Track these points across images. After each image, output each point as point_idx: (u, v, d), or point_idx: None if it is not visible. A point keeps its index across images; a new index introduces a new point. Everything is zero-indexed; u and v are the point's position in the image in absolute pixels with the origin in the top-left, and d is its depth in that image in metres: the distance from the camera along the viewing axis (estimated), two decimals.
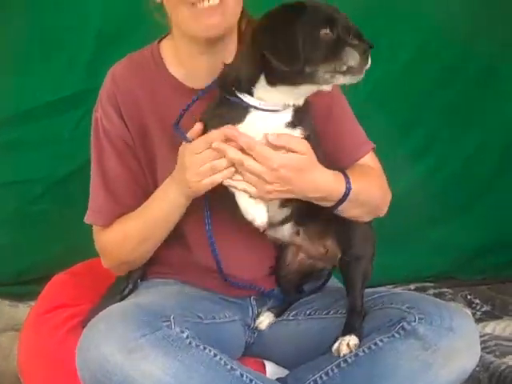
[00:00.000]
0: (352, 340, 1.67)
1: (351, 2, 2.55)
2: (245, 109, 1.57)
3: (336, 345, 1.68)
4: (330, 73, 1.50)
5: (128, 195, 1.84)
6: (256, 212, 1.60)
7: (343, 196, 1.68)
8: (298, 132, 1.60)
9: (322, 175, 1.65)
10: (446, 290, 2.83)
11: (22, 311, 2.61)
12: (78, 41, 2.42)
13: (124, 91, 1.81)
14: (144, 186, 1.85)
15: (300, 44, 1.47)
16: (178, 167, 1.68)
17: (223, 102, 1.60)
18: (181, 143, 1.68)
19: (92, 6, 2.40)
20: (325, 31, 1.50)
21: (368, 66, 1.51)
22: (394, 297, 1.72)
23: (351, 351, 1.65)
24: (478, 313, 2.81)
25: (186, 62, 1.81)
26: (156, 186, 1.81)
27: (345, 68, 1.49)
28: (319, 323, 1.82)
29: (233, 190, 1.61)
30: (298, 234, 1.82)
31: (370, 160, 1.90)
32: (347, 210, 1.73)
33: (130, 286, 1.91)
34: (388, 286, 2.79)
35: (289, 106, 1.58)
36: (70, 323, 1.92)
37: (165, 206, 1.75)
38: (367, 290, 1.83)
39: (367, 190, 1.77)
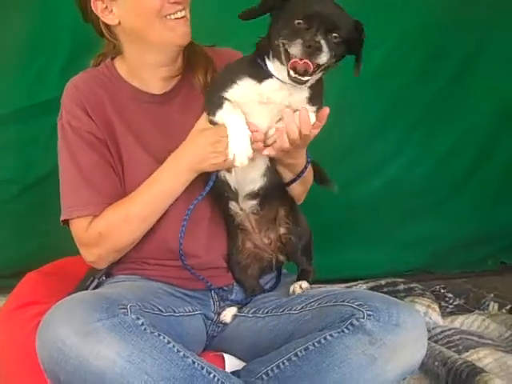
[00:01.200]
0: (303, 284, 1.93)
1: None
2: (266, 73, 1.75)
3: (291, 288, 1.93)
4: (284, 54, 1.68)
5: (108, 184, 1.93)
6: (242, 152, 1.74)
7: (304, 167, 1.93)
8: (313, 109, 1.78)
9: None
10: (415, 285, 2.88)
11: None
12: (53, 47, 2.51)
13: (87, 93, 1.95)
14: (120, 178, 1.96)
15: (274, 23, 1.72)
16: (191, 145, 1.83)
17: (253, 64, 1.79)
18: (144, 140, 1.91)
19: (67, 13, 2.45)
20: (298, 21, 1.66)
21: (316, 61, 1.64)
22: (346, 294, 1.79)
23: (303, 291, 1.90)
24: (450, 306, 2.89)
25: (144, 75, 1.98)
26: (124, 183, 1.93)
27: (289, 54, 1.66)
28: (274, 319, 1.89)
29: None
30: (256, 213, 1.96)
31: None
32: (299, 184, 1.98)
33: (95, 282, 2.00)
34: (360, 282, 2.88)
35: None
36: (37, 319, 1.96)
37: (173, 182, 1.87)
38: (322, 288, 1.93)
39: (310, 174, 2.06)
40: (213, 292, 2.01)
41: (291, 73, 1.66)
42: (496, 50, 3.03)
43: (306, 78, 1.67)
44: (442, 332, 2.47)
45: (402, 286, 2.86)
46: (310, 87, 1.76)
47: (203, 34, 2.03)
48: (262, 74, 1.76)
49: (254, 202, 1.94)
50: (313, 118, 1.76)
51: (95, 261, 1.97)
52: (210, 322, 2.00)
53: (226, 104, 1.78)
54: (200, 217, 1.95)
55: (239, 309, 2.00)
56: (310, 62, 1.64)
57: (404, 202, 3.11)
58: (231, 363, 1.92)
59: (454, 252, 3.26)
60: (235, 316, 1.99)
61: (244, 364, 1.90)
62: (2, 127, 2.68)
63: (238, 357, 1.95)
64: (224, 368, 1.89)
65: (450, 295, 2.94)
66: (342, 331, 1.68)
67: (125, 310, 1.61)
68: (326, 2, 1.73)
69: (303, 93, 1.77)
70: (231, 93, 1.78)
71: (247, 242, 2.01)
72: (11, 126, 2.68)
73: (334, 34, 1.67)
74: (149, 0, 1.83)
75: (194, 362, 1.64)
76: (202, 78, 1.98)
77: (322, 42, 1.64)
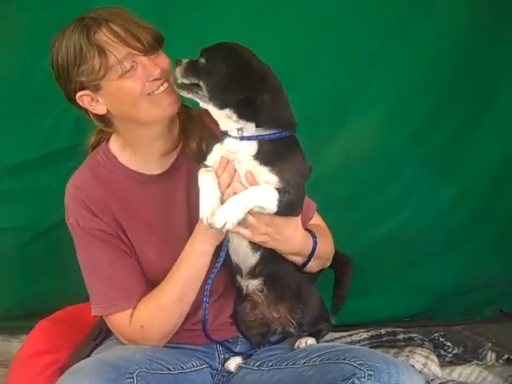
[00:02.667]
0: (309, 340, 2.01)
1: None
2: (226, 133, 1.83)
3: (297, 343, 2.00)
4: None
5: (131, 276, 1.98)
6: (210, 211, 1.77)
7: (311, 252, 1.98)
8: (266, 169, 1.77)
9: (299, 231, 1.95)
10: (415, 335, 2.91)
11: (13, 346, 2.75)
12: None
13: (88, 193, 2.00)
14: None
15: None
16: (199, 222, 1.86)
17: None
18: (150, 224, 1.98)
19: None
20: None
21: (175, 74, 1.80)
22: (348, 352, 1.84)
23: (307, 346, 1.97)
24: (449, 355, 2.90)
25: (142, 152, 2.02)
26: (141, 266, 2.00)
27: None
28: (278, 373, 1.94)
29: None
30: (261, 291, 2.01)
31: (316, 218, 2.18)
32: (313, 262, 2.02)
33: (102, 336, 2.08)
34: (361, 330, 2.93)
35: (235, 129, 1.78)
36: (51, 369, 2.10)
37: (194, 260, 1.92)
38: (325, 344, 2.01)
39: (324, 246, 2.07)
40: (218, 345, 2.07)
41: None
42: (502, 104, 3.04)
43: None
44: None
45: (401, 336, 2.89)
46: (260, 146, 1.78)
47: None
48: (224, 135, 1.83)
49: (258, 282, 1.99)
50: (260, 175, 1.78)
51: (157, 344, 1.98)
52: (215, 372, 2.06)
53: (201, 170, 1.84)
54: (218, 283, 2.00)
55: (244, 359, 2.06)
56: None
57: (408, 250, 3.13)
58: None
59: (455, 298, 3.27)
60: (239, 366, 2.05)
61: None
62: (16, 176, 2.76)
63: None
64: None
65: (448, 344, 2.96)
66: None
67: (131, 380, 1.67)
68: None
69: (249, 148, 1.79)
70: (208, 159, 1.86)
71: (255, 310, 2.07)
72: (25, 175, 2.75)
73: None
74: (129, 85, 1.84)
75: None
76: (195, 145, 1.98)
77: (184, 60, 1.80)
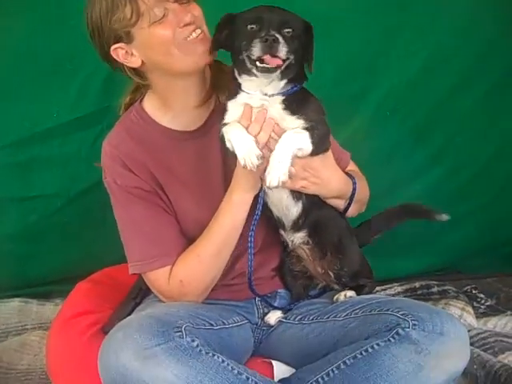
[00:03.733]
0: (349, 293, 2.02)
1: (362, 15, 2.69)
2: (240, 87, 1.85)
3: (336, 296, 2.02)
4: (249, 61, 1.75)
5: (170, 232, 1.98)
6: (250, 153, 1.77)
7: (351, 195, 2.02)
8: (294, 117, 1.82)
9: (338, 173, 2.00)
10: (449, 287, 2.91)
11: (48, 310, 2.82)
12: (94, 61, 2.50)
13: (124, 150, 1.99)
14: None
15: (222, 36, 1.83)
16: (236, 173, 1.89)
17: (234, 87, 1.89)
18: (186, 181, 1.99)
19: None
20: (251, 26, 1.76)
21: (278, 54, 1.72)
22: (390, 303, 1.85)
23: (346, 299, 1.98)
24: (482, 307, 2.90)
25: (176, 107, 2.00)
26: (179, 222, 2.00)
27: (254, 56, 1.74)
28: (320, 326, 1.95)
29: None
30: (307, 243, 2.02)
31: (351, 165, 2.22)
32: (354, 205, 2.05)
33: (142, 295, 2.10)
34: (395, 284, 2.93)
35: (263, 93, 1.82)
36: (93, 329, 2.11)
37: (234, 210, 1.93)
38: (365, 296, 2.00)
39: (362, 188, 2.12)
40: (257, 299, 2.08)
41: (258, 64, 1.74)
42: None
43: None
44: (478, 334, 2.51)
45: (435, 289, 2.90)
46: (286, 98, 1.83)
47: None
48: (237, 91, 1.86)
49: (303, 234, 2.01)
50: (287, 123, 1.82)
51: (198, 300, 2.00)
52: (254, 326, 2.08)
53: (224, 128, 1.85)
54: (255, 237, 1.98)
55: (284, 314, 2.07)
56: (274, 58, 1.72)
57: (445, 208, 3.05)
58: (279, 369, 2.00)
59: (485, 253, 3.24)
60: (279, 320, 2.06)
61: (291, 370, 1.98)
62: (44, 143, 2.75)
63: (284, 362, 2.02)
64: (273, 374, 1.97)
65: (481, 296, 2.96)
66: (389, 340, 1.74)
67: (180, 333, 1.68)
68: (273, 7, 1.80)
69: (276, 102, 1.83)
70: (226, 118, 1.87)
71: (301, 264, 2.08)
72: (54, 141, 2.74)
73: (287, 30, 1.75)
74: (160, 32, 1.83)
75: (248, 378, 1.73)
76: (225, 99, 1.94)
77: (277, 35, 1.72)
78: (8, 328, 2.69)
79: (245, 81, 1.83)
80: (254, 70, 1.76)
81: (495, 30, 2.81)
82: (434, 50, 2.83)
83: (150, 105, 2.04)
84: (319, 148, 1.86)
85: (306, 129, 1.80)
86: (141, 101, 2.06)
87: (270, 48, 1.71)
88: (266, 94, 1.82)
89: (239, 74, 1.84)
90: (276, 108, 1.82)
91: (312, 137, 1.81)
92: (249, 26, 1.76)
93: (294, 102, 1.84)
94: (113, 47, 1.88)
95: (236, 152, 1.79)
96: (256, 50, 1.72)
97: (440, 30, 2.80)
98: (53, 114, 2.69)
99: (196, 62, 1.91)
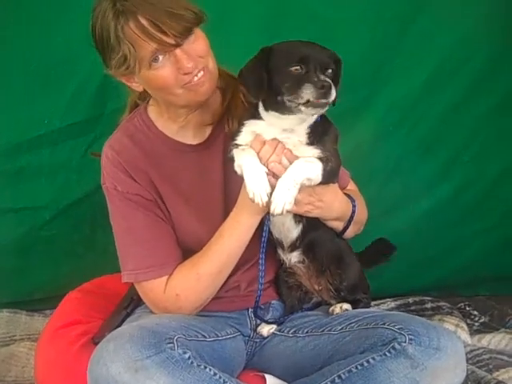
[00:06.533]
0: (344, 305, 1.99)
1: (366, 23, 2.65)
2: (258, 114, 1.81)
3: (331, 308, 1.99)
4: (294, 103, 1.70)
5: (167, 243, 1.95)
6: (260, 188, 1.73)
7: (351, 217, 2.01)
8: (312, 147, 1.79)
9: (339, 196, 1.98)
10: (443, 303, 2.89)
11: (37, 321, 2.77)
12: (87, 69, 2.47)
13: (126, 156, 1.96)
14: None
15: (265, 79, 1.72)
16: (242, 195, 1.84)
17: (252, 111, 1.86)
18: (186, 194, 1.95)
19: None
20: (295, 67, 1.70)
21: (329, 99, 1.68)
22: (386, 317, 1.82)
23: (341, 312, 1.96)
24: (476, 324, 2.88)
25: (178, 122, 1.98)
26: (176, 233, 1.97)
27: (304, 100, 1.67)
28: (315, 339, 1.93)
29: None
30: (303, 262, 2.01)
31: (350, 185, 2.20)
32: (351, 226, 2.03)
33: (133, 305, 2.06)
34: (388, 300, 2.90)
35: (285, 129, 1.78)
36: (82, 339, 2.07)
37: (239, 232, 1.90)
38: (361, 310, 1.97)
39: (361, 210, 2.08)
40: (249, 311, 2.06)
41: (303, 107, 1.69)
42: None
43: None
44: (472, 351, 2.49)
45: (429, 305, 2.88)
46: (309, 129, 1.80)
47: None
48: (254, 114, 1.82)
49: (298, 253, 1.99)
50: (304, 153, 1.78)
51: (191, 312, 1.97)
52: (247, 338, 2.05)
53: (235, 150, 1.81)
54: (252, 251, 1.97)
55: (277, 326, 2.04)
56: (326, 101, 1.68)
57: (450, 228, 2.92)
58: (272, 383, 1.96)
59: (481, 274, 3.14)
60: (274, 333, 2.03)
61: None
62: (34, 152, 2.62)
63: (277, 376, 1.99)
64: None
65: (475, 313, 2.94)
66: (385, 354, 1.71)
67: (172, 345, 1.65)
68: (307, 42, 1.76)
69: (301, 134, 1.80)
70: (238, 139, 1.83)
71: (297, 280, 2.07)
72: (44, 150, 2.62)
73: (329, 70, 1.72)
74: (161, 76, 1.79)
75: None
76: (236, 124, 1.92)
77: (327, 79, 1.68)
78: None
79: (270, 116, 1.78)
80: (299, 107, 1.70)
81: (502, 42, 2.72)
82: (440, 63, 2.74)
83: (156, 113, 2.01)
84: (328, 180, 1.84)
85: (320, 159, 1.76)
86: (146, 105, 2.03)
87: (325, 94, 1.66)
88: (285, 130, 1.79)
89: (266, 110, 1.79)
90: (293, 138, 1.79)
91: (324, 169, 1.77)
92: (293, 68, 1.70)
93: (315, 131, 1.80)
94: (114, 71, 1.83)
95: (246, 182, 1.75)
96: (307, 94, 1.66)
97: (446, 43, 2.71)
98: (43, 121, 2.58)
99: (197, 100, 1.88)
